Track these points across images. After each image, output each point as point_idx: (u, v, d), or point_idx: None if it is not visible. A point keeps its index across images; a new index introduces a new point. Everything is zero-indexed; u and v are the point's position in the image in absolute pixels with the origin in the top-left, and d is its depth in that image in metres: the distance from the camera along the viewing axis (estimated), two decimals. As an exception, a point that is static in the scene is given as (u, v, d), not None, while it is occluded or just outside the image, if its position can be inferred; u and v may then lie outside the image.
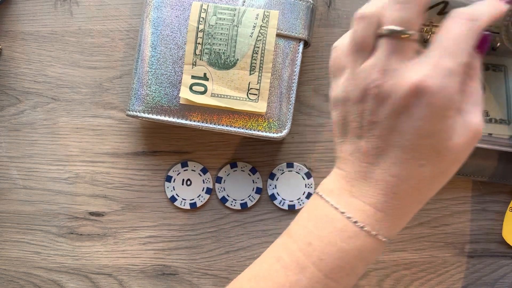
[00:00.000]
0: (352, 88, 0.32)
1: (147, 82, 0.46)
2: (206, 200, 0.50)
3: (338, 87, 0.34)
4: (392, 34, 0.30)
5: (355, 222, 0.32)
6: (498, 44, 0.45)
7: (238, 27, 0.45)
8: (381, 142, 0.32)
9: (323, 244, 0.33)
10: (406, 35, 0.30)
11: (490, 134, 0.46)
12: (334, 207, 0.33)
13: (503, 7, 0.33)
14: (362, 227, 0.32)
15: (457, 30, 0.30)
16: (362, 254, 0.33)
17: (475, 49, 0.32)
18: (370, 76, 0.31)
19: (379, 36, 0.31)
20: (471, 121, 0.31)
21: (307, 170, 0.50)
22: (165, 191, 0.50)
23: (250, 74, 0.45)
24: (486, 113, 0.46)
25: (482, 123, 0.32)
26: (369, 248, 0.33)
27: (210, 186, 0.50)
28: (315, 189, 0.50)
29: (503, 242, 0.49)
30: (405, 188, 0.32)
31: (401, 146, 0.31)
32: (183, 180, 0.50)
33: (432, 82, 0.29)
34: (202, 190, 0.50)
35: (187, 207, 0.50)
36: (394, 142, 0.31)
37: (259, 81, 0.46)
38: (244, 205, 0.50)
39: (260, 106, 0.46)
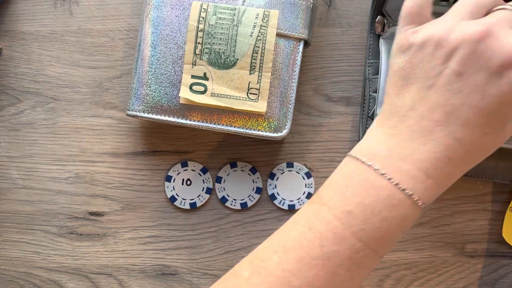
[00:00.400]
0: (451, 31, 0.30)
1: (147, 82, 0.46)
2: (206, 200, 0.50)
3: (432, 28, 0.31)
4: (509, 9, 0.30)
5: (403, 189, 0.30)
6: None
7: (238, 26, 0.45)
8: (458, 98, 0.30)
9: (365, 213, 0.30)
10: None
11: None
12: (380, 173, 0.30)
13: None
14: (410, 195, 0.30)
15: None
16: (403, 222, 0.31)
17: None
18: (477, 25, 0.29)
19: (498, 9, 0.31)
20: None
21: (307, 170, 0.50)
22: (165, 191, 0.50)
23: (250, 74, 0.45)
24: None
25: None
26: (411, 216, 0.31)
27: (210, 186, 0.50)
28: (315, 189, 0.50)
29: (503, 242, 0.49)
30: (462, 154, 0.30)
31: (478, 108, 0.29)
32: (183, 180, 0.50)
33: None
34: (202, 190, 0.50)
35: (187, 207, 0.50)
36: (472, 102, 0.29)
37: (259, 80, 0.46)
38: (244, 205, 0.50)
39: (260, 106, 0.46)
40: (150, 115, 0.46)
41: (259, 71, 0.45)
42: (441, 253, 0.50)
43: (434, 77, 0.30)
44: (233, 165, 0.50)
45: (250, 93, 0.46)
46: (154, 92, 0.46)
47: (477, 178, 0.48)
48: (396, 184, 0.30)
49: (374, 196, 0.30)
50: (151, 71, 0.46)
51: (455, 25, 0.30)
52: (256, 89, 0.46)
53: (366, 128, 0.48)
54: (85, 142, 0.51)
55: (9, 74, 0.51)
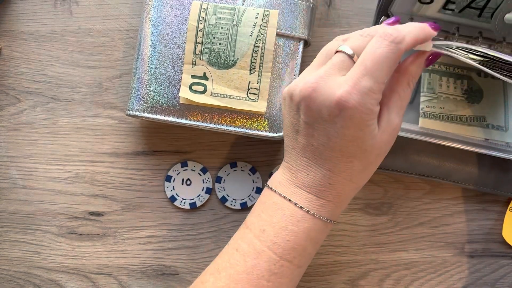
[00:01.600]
0: (297, 86, 0.36)
1: (147, 82, 0.46)
2: (206, 200, 0.50)
3: (292, 82, 0.38)
4: (343, 52, 0.36)
5: (301, 207, 0.37)
6: None
7: (238, 26, 0.45)
8: (314, 140, 0.36)
9: (275, 229, 0.37)
10: (350, 55, 0.35)
11: (486, 139, 0.46)
12: (282, 196, 0.38)
13: (431, 31, 0.36)
14: (307, 211, 0.37)
15: (379, 52, 0.34)
16: (310, 234, 0.37)
17: (424, 63, 0.38)
18: (308, 80, 0.35)
19: (337, 52, 0.36)
20: (393, 120, 0.36)
21: (307, 170, 0.50)
22: (164, 191, 0.50)
23: (250, 74, 0.45)
24: (483, 119, 0.46)
25: (401, 122, 0.37)
26: (316, 229, 0.37)
27: (210, 186, 0.50)
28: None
29: (503, 242, 0.49)
30: (339, 179, 0.36)
31: (330, 147, 0.35)
32: (183, 179, 0.50)
33: (352, 99, 0.34)
34: (202, 190, 0.50)
35: (187, 207, 0.50)
36: (324, 143, 0.36)
37: (259, 80, 0.46)
38: (244, 205, 0.50)
39: (260, 106, 0.46)
40: (150, 115, 0.46)
41: (259, 71, 0.45)
42: (441, 253, 0.50)
43: (296, 124, 0.37)
44: (233, 165, 0.50)
45: (250, 93, 0.46)
46: (154, 92, 0.46)
47: (467, 186, 0.48)
48: (295, 204, 0.37)
49: (281, 215, 0.37)
50: (151, 71, 0.46)
51: (300, 79, 0.37)
52: (256, 89, 0.46)
53: None
54: (85, 142, 0.51)
55: (9, 74, 0.51)
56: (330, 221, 0.38)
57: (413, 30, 0.35)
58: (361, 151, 0.36)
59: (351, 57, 0.35)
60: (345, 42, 0.37)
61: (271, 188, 0.39)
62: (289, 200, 0.37)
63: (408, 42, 0.34)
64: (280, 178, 0.39)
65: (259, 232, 0.37)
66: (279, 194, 0.38)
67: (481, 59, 0.37)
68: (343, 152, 0.35)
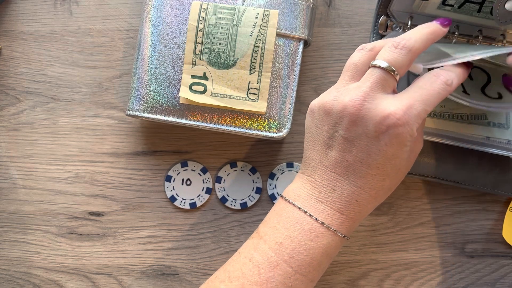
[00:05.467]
0: (335, 101, 0.37)
1: (147, 82, 0.46)
2: (206, 200, 0.50)
3: (325, 96, 0.38)
4: (381, 67, 0.36)
5: (323, 223, 0.37)
6: None
7: (238, 26, 0.45)
8: (350, 157, 0.36)
9: (293, 244, 0.37)
10: (392, 72, 0.36)
11: (487, 137, 0.46)
12: (302, 211, 0.37)
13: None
14: (328, 228, 0.37)
15: (435, 87, 0.37)
16: (327, 251, 0.37)
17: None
18: (353, 96, 0.36)
19: (372, 66, 0.37)
20: (420, 146, 0.39)
21: (307, 170, 0.50)
22: (164, 191, 0.50)
23: (250, 74, 0.45)
24: (484, 117, 0.46)
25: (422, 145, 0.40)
26: (333, 245, 0.37)
27: (210, 186, 0.50)
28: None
29: (504, 242, 0.49)
30: (366, 197, 0.37)
31: (367, 164, 0.36)
32: (183, 180, 0.50)
33: (403, 117, 0.35)
34: (202, 190, 0.50)
35: (187, 207, 0.50)
36: (362, 160, 0.36)
37: (259, 80, 0.46)
38: (244, 205, 0.50)
39: (260, 106, 0.46)
40: (150, 115, 0.46)
41: (259, 71, 0.45)
42: (441, 253, 0.50)
43: (329, 139, 0.37)
44: (233, 165, 0.50)
45: (250, 93, 0.46)
46: (154, 92, 0.46)
47: (466, 187, 0.49)
48: (316, 220, 0.37)
49: (300, 230, 0.37)
50: (151, 71, 0.46)
51: (338, 94, 0.37)
52: (256, 89, 0.46)
53: None
54: (85, 142, 0.51)
55: (9, 74, 0.51)
56: (345, 237, 0.38)
57: (460, 74, 0.38)
58: (395, 170, 0.37)
59: (390, 72, 0.36)
60: (372, 52, 0.38)
61: (289, 201, 0.38)
62: (310, 215, 0.37)
63: (455, 84, 0.38)
64: (299, 191, 0.38)
65: (275, 244, 0.37)
66: (299, 208, 0.37)
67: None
68: (380, 170, 0.36)
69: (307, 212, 0.37)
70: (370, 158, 0.36)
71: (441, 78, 0.37)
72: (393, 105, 0.35)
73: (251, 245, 0.38)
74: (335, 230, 0.37)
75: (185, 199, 0.50)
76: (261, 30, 0.45)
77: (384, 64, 0.36)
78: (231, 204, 0.50)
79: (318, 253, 0.37)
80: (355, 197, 0.37)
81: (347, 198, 0.37)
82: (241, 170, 0.50)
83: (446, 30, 0.39)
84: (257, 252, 0.37)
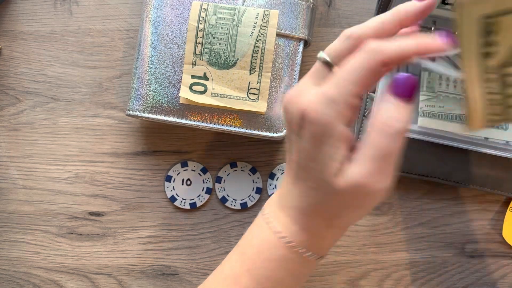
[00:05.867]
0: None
1: (147, 82, 0.46)
2: (206, 200, 0.50)
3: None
4: (319, 59, 0.32)
5: (276, 232, 0.33)
6: None
7: (238, 26, 0.45)
8: (292, 156, 0.32)
9: (253, 253, 0.33)
10: (326, 62, 0.31)
11: (486, 138, 0.46)
12: (264, 218, 0.34)
13: (440, 45, 0.29)
14: (282, 237, 0.32)
15: (353, 61, 0.29)
16: (286, 265, 0.33)
17: (404, 98, 0.29)
18: (291, 92, 0.32)
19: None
20: (352, 171, 0.29)
21: (307, 170, 0.50)
22: (165, 191, 0.50)
23: (250, 74, 0.45)
24: None
25: (365, 179, 0.29)
26: (293, 260, 0.33)
27: (210, 186, 0.50)
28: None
29: (504, 242, 0.49)
30: (312, 208, 0.32)
31: (299, 164, 0.32)
32: (183, 180, 0.50)
33: (311, 109, 0.29)
34: (202, 190, 0.50)
35: (187, 207, 0.50)
36: (296, 158, 0.32)
37: (259, 80, 0.46)
38: (244, 205, 0.50)
39: (260, 106, 0.46)
40: (150, 115, 0.46)
41: (259, 71, 0.45)
42: (441, 253, 0.50)
43: (288, 139, 0.33)
44: (233, 165, 0.50)
45: (250, 93, 0.46)
46: (154, 92, 0.46)
47: (467, 186, 0.48)
48: (271, 227, 0.33)
49: (260, 238, 0.33)
50: (151, 71, 0.46)
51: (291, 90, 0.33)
52: (256, 89, 0.46)
53: (361, 127, 0.48)
54: (85, 142, 0.51)
55: (9, 74, 0.51)
56: (309, 256, 0.33)
57: (401, 43, 0.29)
58: (323, 181, 0.30)
59: (325, 63, 0.31)
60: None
61: (263, 208, 0.35)
62: (267, 222, 0.33)
63: (387, 52, 0.29)
64: (273, 195, 0.35)
65: (239, 254, 0.34)
66: (262, 215, 0.34)
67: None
68: (306, 172, 0.32)
69: (266, 218, 0.34)
70: (299, 157, 0.32)
71: (364, 48, 0.29)
72: (307, 97, 0.30)
73: (227, 256, 0.36)
74: (288, 241, 0.32)
75: (185, 199, 0.50)
76: (261, 30, 0.45)
77: (323, 57, 0.31)
78: (231, 204, 0.50)
79: (275, 266, 0.33)
80: (300, 204, 0.32)
81: (294, 205, 0.33)
82: (241, 170, 0.50)
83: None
84: (227, 263, 0.35)
